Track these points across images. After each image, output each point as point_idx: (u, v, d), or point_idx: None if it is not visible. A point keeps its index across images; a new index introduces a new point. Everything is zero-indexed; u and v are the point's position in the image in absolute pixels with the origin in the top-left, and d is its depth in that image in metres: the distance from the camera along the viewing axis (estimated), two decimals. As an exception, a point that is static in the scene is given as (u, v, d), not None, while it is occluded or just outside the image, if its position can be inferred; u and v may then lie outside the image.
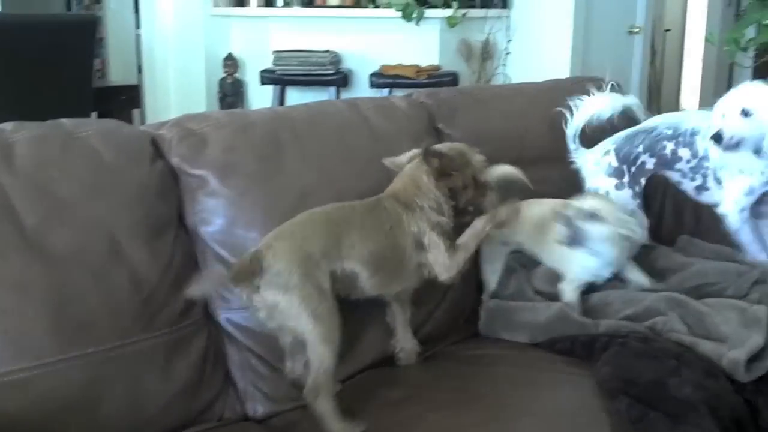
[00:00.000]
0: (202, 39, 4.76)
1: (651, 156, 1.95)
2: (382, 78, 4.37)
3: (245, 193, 1.60)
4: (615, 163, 1.98)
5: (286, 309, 1.41)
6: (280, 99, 4.58)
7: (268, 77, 4.52)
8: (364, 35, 4.61)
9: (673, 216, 2.26)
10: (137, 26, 5.58)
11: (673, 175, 1.96)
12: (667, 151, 1.93)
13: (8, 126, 1.46)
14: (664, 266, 1.94)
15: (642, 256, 1.96)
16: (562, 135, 2.13)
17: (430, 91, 2.12)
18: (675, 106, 8.02)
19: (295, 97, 4.55)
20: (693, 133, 1.91)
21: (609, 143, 2.01)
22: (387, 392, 1.56)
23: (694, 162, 1.92)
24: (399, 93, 2.20)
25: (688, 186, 1.97)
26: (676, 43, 7.94)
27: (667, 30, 7.45)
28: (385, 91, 4.22)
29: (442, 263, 1.55)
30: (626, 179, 1.98)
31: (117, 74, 6.36)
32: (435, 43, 4.54)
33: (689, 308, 1.70)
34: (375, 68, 4.45)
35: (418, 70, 4.33)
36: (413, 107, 1.99)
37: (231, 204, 1.59)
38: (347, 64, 4.62)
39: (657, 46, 6.74)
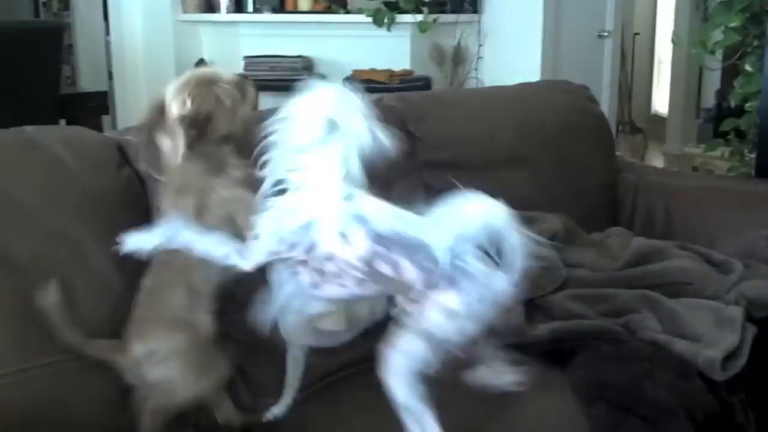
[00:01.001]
0: (171, 45, 4.73)
1: None
2: (355, 83, 4.37)
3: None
4: None
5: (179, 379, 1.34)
6: (253, 105, 4.56)
7: (239, 83, 4.49)
8: (335, 40, 4.60)
9: (644, 220, 2.28)
10: (107, 32, 5.53)
11: None
12: None
13: (-31, 133, 1.44)
14: (645, 251, 1.92)
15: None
16: (531, 138, 2.14)
17: (401, 95, 2.12)
18: (647, 109, 8.12)
19: (268, 102, 4.49)
20: None
21: None
22: (363, 395, 1.54)
23: None
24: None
25: None
26: (646, 47, 8.03)
27: (637, 33, 7.53)
28: (358, 96, 4.21)
29: None
30: None
31: (87, 81, 6.30)
32: (406, 48, 4.54)
33: (663, 307, 1.70)
34: (347, 73, 4.45)
35: (391, 74, 4.33)
36: (383, 110, 1.97)
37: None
38: (319, 69, 4.61)
39: (627, 50, 6.81)
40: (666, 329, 1.66)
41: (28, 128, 1.50)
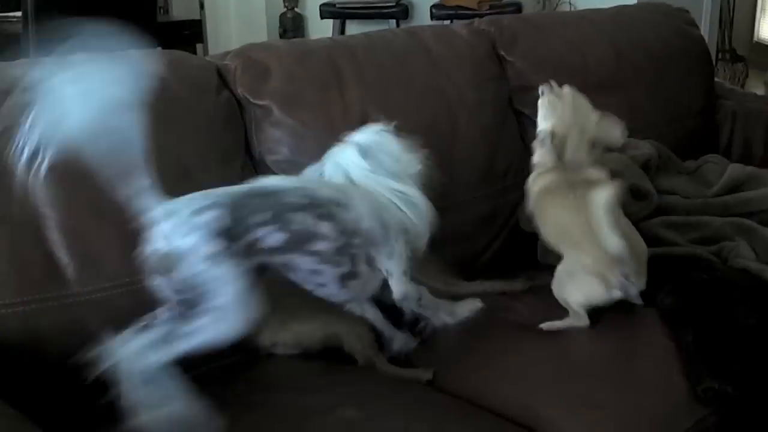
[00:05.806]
0: (261, -27, 4.76)
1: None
2: (444, 9, 4.31)
3: (307, 123, 1.62)
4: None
5: None
6: (341, 32, 4.56)
7: (327, 11, 4.49)
8: (424, -34, 4.53)
9: (742, 147, 2.22)
10: (198, -39, 5.58)
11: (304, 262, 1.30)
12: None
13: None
14: (741, 178, 1.87)
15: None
16: (627, 63, 2.09)
17: (492, 19, 2.09)
18: (749, 37, 7.72)
19: (355, 30, 4.52)
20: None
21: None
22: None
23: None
24: (460, 24, 2.18)
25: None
26: (751, -31, 7.58)
27: (742, -46, 7.12)
28: (447, 23, 4.17)
29: None
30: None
31: (179, 10, 6.41)
32: (497, -28, 4.44)
33: (757, 235, 1.68)
34: (435, 0, 4.39)
35: (480, 0, 4.25)
36: (474, 35, 1.97)
37: (294, 134, 1.61)
38: (408, -5, 4.56)
39: (730, -28, 6.46)
40: (760, 258, 1.64)
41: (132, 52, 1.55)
